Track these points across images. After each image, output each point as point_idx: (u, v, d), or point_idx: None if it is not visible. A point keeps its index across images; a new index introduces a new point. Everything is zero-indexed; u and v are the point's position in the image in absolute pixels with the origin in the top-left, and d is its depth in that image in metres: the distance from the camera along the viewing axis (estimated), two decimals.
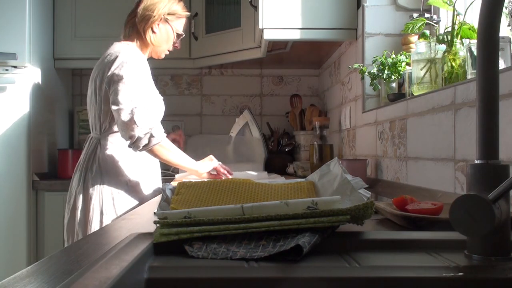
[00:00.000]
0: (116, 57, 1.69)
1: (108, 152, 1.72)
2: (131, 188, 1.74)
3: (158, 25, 1.81)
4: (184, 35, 1.92)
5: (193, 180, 1.01)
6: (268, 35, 1.91)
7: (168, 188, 0.92)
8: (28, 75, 2.33)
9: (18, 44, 2.29)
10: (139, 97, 1.65)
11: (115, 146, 1.73)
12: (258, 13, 1.96)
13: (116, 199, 1.70)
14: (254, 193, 0.90)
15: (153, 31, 1.80)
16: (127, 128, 1.61)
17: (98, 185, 1.68)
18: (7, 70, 2.29)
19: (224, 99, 2.97)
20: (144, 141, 1.63)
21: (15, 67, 2.30)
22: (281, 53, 2.38)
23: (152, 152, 1.68)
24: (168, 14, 1.82)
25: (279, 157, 2.63)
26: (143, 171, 1.79)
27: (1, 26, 2.28)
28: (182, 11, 1.86)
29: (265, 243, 0.63)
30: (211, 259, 0.60)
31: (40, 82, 2.43)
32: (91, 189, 1.68)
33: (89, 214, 1.68)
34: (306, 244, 0.59)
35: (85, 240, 0.71)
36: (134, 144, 1.63)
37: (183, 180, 1.15)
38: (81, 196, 1.70)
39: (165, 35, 1.83)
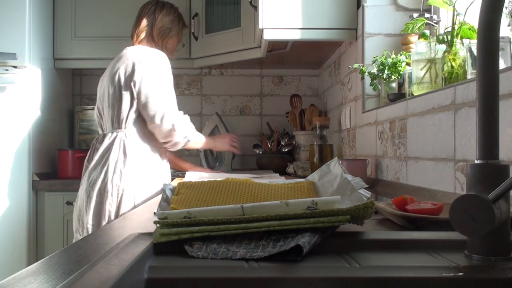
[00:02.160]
0: (142, 59, 1.85)
1: (135, 145, 1.83)
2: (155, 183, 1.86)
3: (173, 38, 2.11)
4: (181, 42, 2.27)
5: (193, 180, 1.01)
6: (268, 35, 1.91)
7: (168, 188, 0.92)
8: (28, 75, 2.33)
9: (18, 44, 2.28)
10: (174, 103, 1.88)
11: (139, 139, 1.86)
12: (258, 13, 1.96)
13: (140, 191, 1.81)
14: (254, 193, 0.90)
15: (168, 43, 2.09)
16: (168, 135, 1.85)
17: (128, 178, 1.78)
18: (7, 70, 2.28)
19: (224, 99, 2.97)
20: (181, 145, 1.91)
21: (15, 67, 2.29)
22: (281, 53, 2.38)
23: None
24: (182, 29, 2.15)
25: (279, 157, 2.63)
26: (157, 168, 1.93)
27: (1, 26, 2.28)
28: (184, 24, 2.18)
29: (265, 243, 0.63)
30: (211, 259, 0.60)
31: (40, 82, 2.43)
32: (123, 181, 1.77)
33: (121, 206, 1.76)
34: (306, 244, 0.59)
35: (85, 240, 0.71)
36: (172, 146, 1.90)
37: (183, 180, 1.15)
38: (110, 189, 1.77)
39: (174, 45, 2.15)
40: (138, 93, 1.81)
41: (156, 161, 1.89)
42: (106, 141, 1.83)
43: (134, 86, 1.81)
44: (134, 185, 1.78)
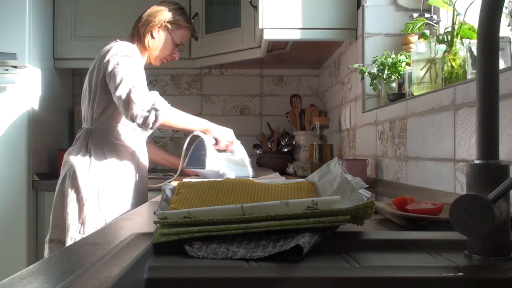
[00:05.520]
0: (111, 47, 1.75)
1: (98, 142, 1.74)
2: (117, 183, 1.75)
3: (158, 31, 1.91)
4: (183, 47, 2.01)
5: (193, 180, 1.01)
6: (268, 35, 1.91)
7: (168, 188, 0.92)
8: (28, 75, 2.32)
9: (18, 44, 2.28)
10: (136, 77, 1.65)
11: (105, 136, 1.75)
12: (258, 13, 1.96)
13: (101, 190, 1.70)
14: (254, 193, 0.90)
15: (152, 36, 1.91)
16: (127, 107, 1.60)
17: (87, 174, 1.69)
18: (7, 70, 2.28)
19: (224, 99, 2.97)
20: (152, 118, 1.61)
21: (15, 67, 2.29)
22: (281, 53, 2.38)
23: (165, 125, 1.67)
24: (169, 22, 1.91)
25: (279, 157, 2.63)
26: (129, 169, 1.81)
27: (1, 26, 2.28)
28: (183, 22, 1.95)
29: (265, 243, 0.63)
30: (211, 259, 0.60)
31: (40, 82, 2.43)
32: (79, 179, 1.67)
33: (81, 206, 1.66)
34: (306, 244, 0.59)
35: (85, 240, 0.71)
36: (142, 123, 1.61)
37: (183, 180, 1.15)
38: (70, 185, 1.68)
39: (163, 42, 1.92)
40: (105, 72, 1.70)
41: (119, 163, 1.77)
42: (77, 136, 1.80)
43: (99, 71, 1.73)
44: (96, 184, 1.69)
